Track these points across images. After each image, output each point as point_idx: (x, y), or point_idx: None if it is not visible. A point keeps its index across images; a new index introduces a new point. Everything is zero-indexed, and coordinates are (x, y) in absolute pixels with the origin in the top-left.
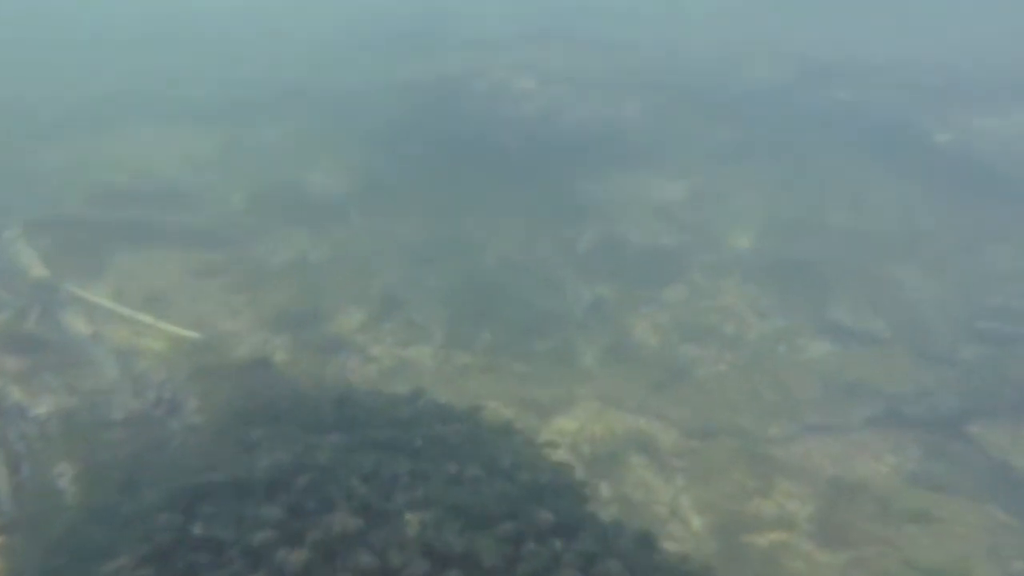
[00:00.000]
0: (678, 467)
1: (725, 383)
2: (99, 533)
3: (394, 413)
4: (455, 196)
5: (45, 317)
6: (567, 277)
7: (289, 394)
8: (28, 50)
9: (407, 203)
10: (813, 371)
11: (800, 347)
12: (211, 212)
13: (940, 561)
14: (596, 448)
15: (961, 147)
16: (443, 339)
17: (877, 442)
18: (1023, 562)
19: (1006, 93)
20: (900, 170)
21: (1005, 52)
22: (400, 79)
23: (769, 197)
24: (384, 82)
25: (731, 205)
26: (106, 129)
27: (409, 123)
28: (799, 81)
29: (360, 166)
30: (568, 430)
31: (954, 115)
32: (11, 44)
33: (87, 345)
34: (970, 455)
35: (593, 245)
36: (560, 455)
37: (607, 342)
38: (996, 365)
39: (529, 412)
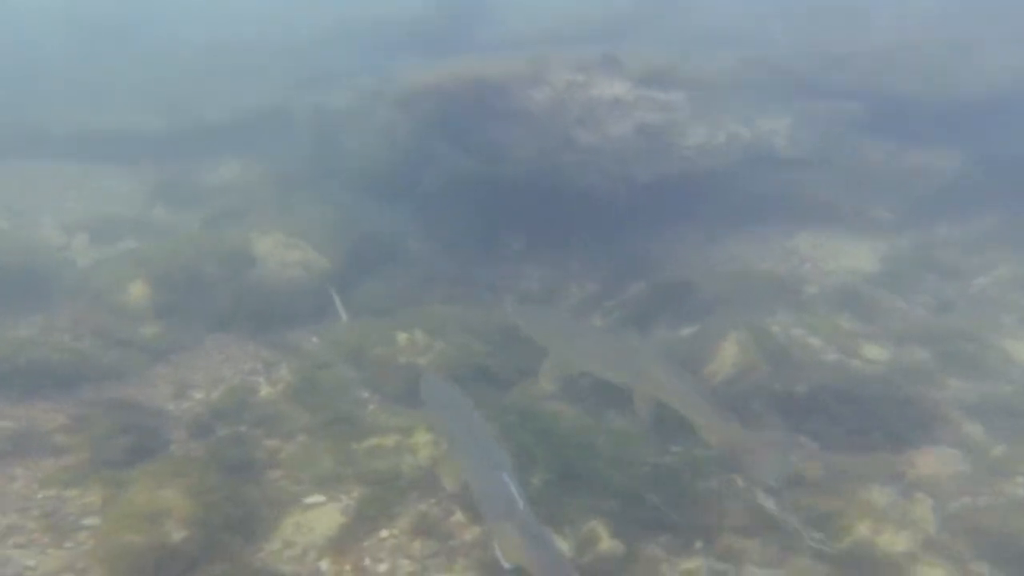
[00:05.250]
0: None
1: None
2: None
3: None
4: (496, 276)
5: None
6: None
7: None
8: None
9: (420, 288)
10: None
11: None
12: (73, 317)
13: None
14: None
15: None
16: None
17: None
18: None
19: None
20: None
21: None
22: (414, 89)
23: None
24: (392, 94)
25: (975, 284)
26: None
27: (424, 156)
28: None
29: (347, 226)
30: None
31: None
32: None
33: None
34: None
35: (734, 363)
36: None
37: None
38: None
39: None
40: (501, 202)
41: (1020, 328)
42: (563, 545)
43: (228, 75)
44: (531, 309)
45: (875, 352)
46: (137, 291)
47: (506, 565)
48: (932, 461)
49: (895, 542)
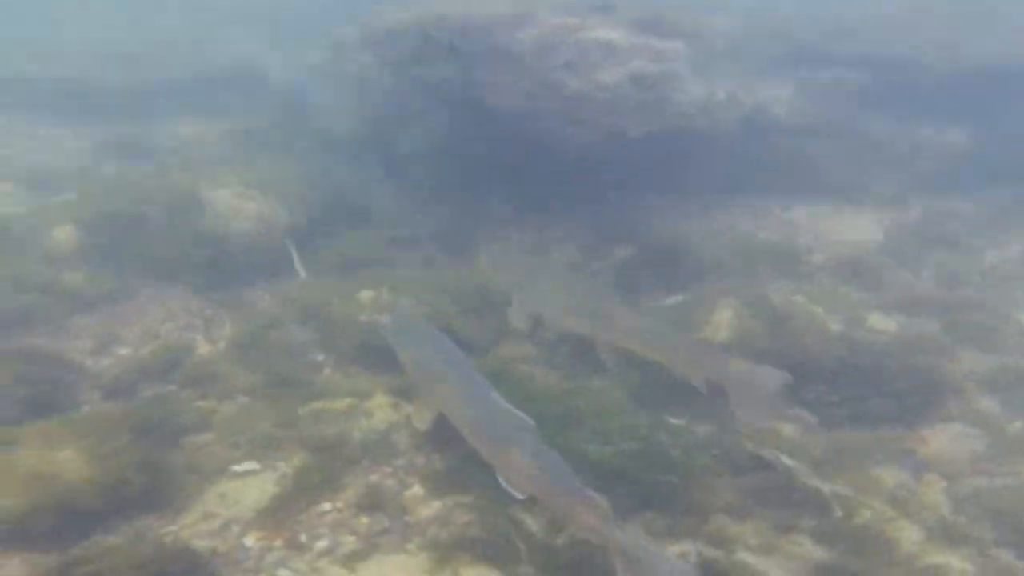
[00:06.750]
0: None
1: None
2: None
3: None
4: (470, 234)
5: None
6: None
7: None
8: None
9: (392, 249)
10: None
11: None
12: None
13: None
14: None
15: None
16: (448, 536)
17: None
18: None
19: None
20: None
21: None
22: (388, 28)
23: None
24: (366, 34)
25: (986, 259)
26: None
27: (400, 108)
28: None
29: (313, 183)
30: None
31: None
32: None
33: None
34: None
35: (729, 328)
36: None
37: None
38: None
39: None
40: (483, 161)
41: None
42: (534, 525)
43: (199, 30)
44: (508, 255)
45: (882, 323)
46: (63, 234)
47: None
48: (945, 439)
49: (906, 527)
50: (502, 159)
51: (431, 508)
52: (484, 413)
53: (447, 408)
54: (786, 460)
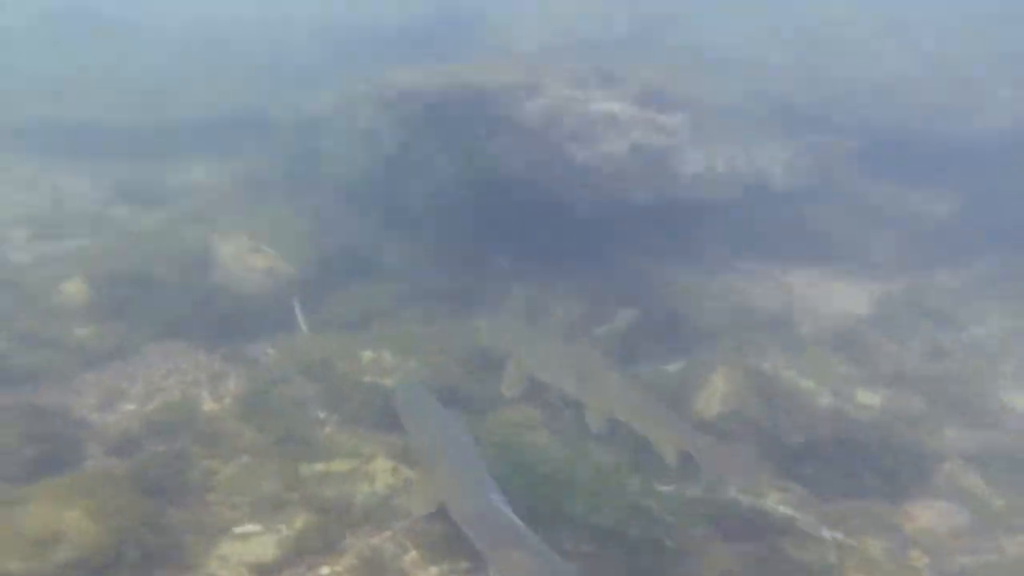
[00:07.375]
0: None
1: None
2: None
3: None
4: (475, 290)
5: None
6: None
7: None
8: None
9: (396, 303)
10: None
11: None
12: None
13: None
14: None
15: None
16: None
17: None
18: None
19: None
20: None
21: None
22: (401, 90)
23: None
24: (378, 94)
25: (972, 331)
26: None
27: (408, 164)
28: None
29: (320, 235)
30: None
31: None
32: None
33: None
34: None
35: (723, 400)
36: None
37: None
38: None
39: None
40: (489, 217)
41: (1017, 378)
42: None
43: (207, 72)
44: (501, 321)
45: (869, 398)
46: (73, 289)
47: None
48: (931, 514)
49: None
50: (509, 219)
51: (429, 574)
52: (481, 511)
53: (447, 498)
54: (785, 510)
